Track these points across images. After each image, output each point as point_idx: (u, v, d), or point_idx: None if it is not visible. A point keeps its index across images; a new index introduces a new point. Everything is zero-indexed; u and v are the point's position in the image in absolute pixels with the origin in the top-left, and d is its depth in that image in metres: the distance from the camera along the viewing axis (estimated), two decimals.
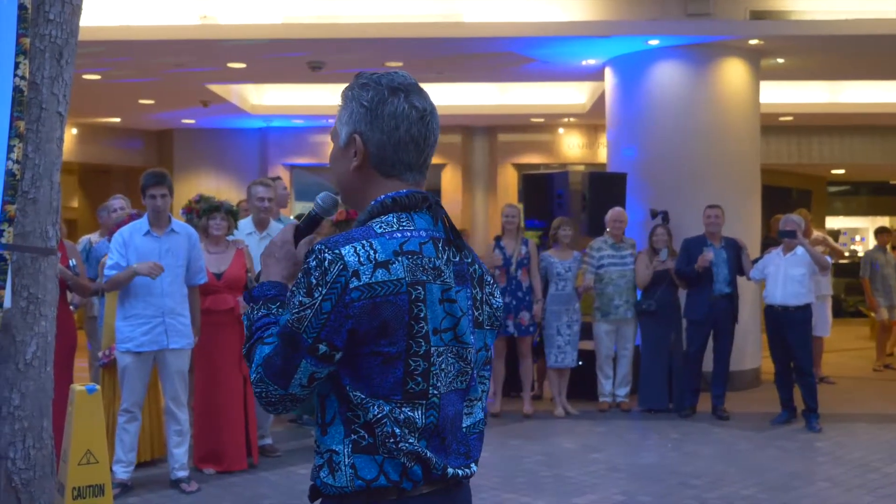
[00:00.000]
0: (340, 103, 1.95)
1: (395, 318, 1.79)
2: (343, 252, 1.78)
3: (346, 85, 1.97)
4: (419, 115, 1.90)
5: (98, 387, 4.64)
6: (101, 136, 15.75)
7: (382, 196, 1.89)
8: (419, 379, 1.83)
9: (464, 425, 1.94)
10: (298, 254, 1.98)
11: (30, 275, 4.07)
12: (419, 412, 1.83)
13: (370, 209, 1.88)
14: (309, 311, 1.77)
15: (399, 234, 1.84)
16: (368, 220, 1.87)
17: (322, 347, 1.77)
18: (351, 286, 1.76)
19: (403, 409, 1.82)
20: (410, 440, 1.82)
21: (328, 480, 1.84)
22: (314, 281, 1.77)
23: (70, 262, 5.87)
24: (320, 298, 1.76)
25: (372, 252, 1.79)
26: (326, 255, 1.78)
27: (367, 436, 1.81)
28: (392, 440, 1.80)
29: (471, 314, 1.92)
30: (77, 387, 4.54)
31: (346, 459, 1.81)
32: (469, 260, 1.95)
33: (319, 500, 1.89)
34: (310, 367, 1.79)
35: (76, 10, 4.19)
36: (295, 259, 1.97)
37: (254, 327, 1.88)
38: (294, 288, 1.81)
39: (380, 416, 1.80)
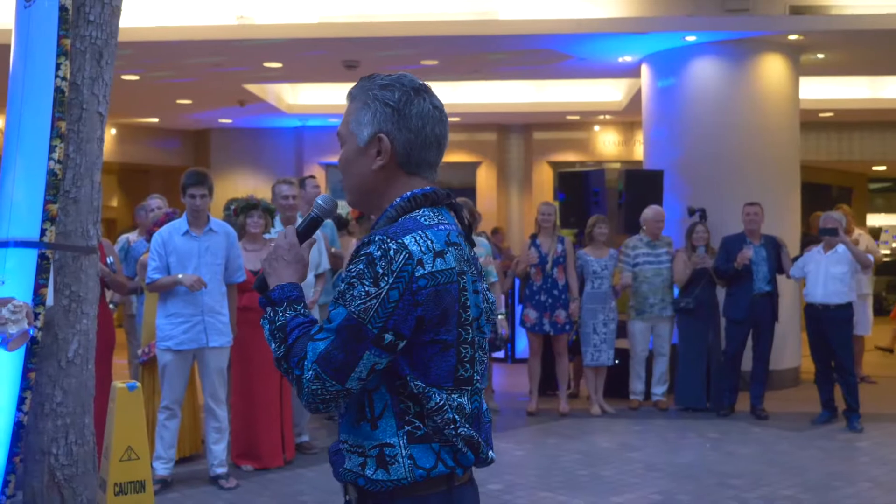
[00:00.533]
0: (353, 105, 1.97)
1: (451, 306, 1.84)
2: (406, 242, 1.80)
3: (355, 87, 1.99)
4: (439, 114, 1.96)
5: (139, 384, 4.70)
6: (140, 136, 15.93)
7: (410, 192, 1.93)
8: (468, 366, 1.90)
9: None
10: (304, 255, 1.99)
11: (71, 273, 4.13)
12: (466, 398, 1.90)
13: (401, 204, 1.92)
14: (375, 300, 1.77)
15: (443, 227, 1.89)
16: (401, 214, 1.91)
17: (388, 337, 1.78)
18: (417, 274, 1.79)
19: (453, 395, 1.87)
20: (466, 425, 1.88)
21: (378, 476, 1.84)
22: (380, 270, 1.78)
23: (108, 259, 5.94)
24: (387, 287, 1.77)
25: (429, 242, 1.83)
26: (391, 244, 1.80)
27: (421, 425, 1.84)
28: (452, 427, 1.85)
29: (482, 306, 2.00)
30: (118, 384, 4.60)
31: (403, 451, 1.83)
32: (474, 255, 2.03)
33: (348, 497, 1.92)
34: (373, 357, 1.79)
35: (116, 11, 4.24)
36: (303, 261, 1.99)
37: (288, 328, 1.87)
38: (353, 280, 1.80)
39: (441, 403, 1.84)
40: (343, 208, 7.39)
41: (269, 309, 1.91)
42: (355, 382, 1.80)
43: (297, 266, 1.96)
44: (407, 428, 1.83)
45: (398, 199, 1.92)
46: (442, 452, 1.85)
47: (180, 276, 5.63)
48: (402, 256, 1.79)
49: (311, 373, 1.79)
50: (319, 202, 2.05)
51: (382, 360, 1.80)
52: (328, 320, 1.82)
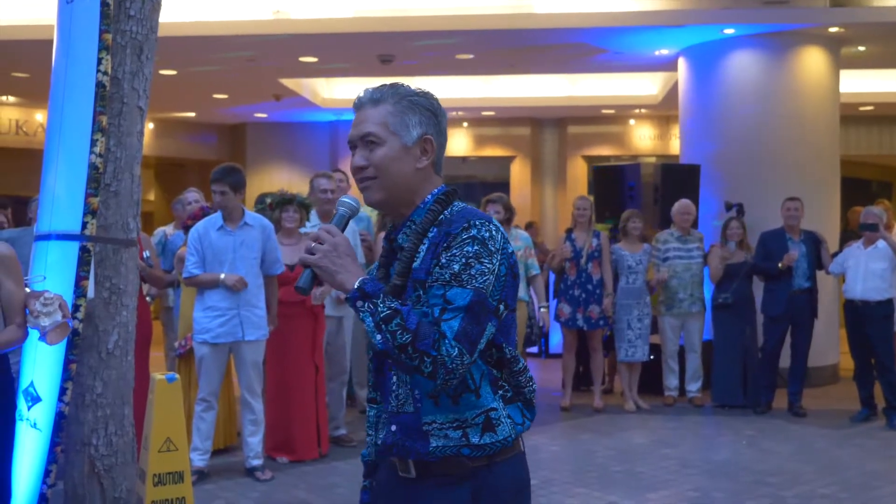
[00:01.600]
0: (384, 108, 2.08)
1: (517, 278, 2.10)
2: (496, 224, 2.04)
3: (382, 92, 2.10)
4: None
5: (177, 376, 4.74)
6: (177, 131, 16.06)
7: (440, 189, 2.12)
8: (515, 332, 2.14)
9: None
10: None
11: (112, 266, 4.17)
12: (521, 362, 2.12)
13: (441, 198, 2.09)
14: (492, 276, 1.97)
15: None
16: (444, 207, 2.08)
17: (501, 307, 2.01)
18: (509, 251, 2.04)
19: (520, 357, 2.11)
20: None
21: (486, 440, 2.02)
22: (492, 249, 1.99)
23: (144, 253, 6.00)
24: (497, 263, 1.99)
25: (497, 225, 2.05)
26: (490, 226, 2.01)
27: (508, 388, 2.06)
28: (530, 385, 2.10)
29: None
30: (157, 376, 4.64)
31: (503, 412, 2.04)
32: None
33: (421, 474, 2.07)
34: (491, 328, 1.99)
35: (156, 6, 4.28)
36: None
37: (404, 315, 1.90)
38: (470, 260, 1.95)
39: (524, 364, 2.09)
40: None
41: (365, 303, 1.94)
42: (477, 353, 1.96)
43: (356, 262, 2.04)
44: (500, 392, 2.05)
45: (432, 195, 2.10)
46: (524, 410, 2.09)
47: (222, 275, 5.68)
48: (500, 236, 2.01)
49: (455, 350, 1.91)
50: (348, 201, 2.12)
51: (493, 329, 2.00)
52: (446, 301, 1.93)
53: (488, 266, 1.96)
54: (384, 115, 2.08)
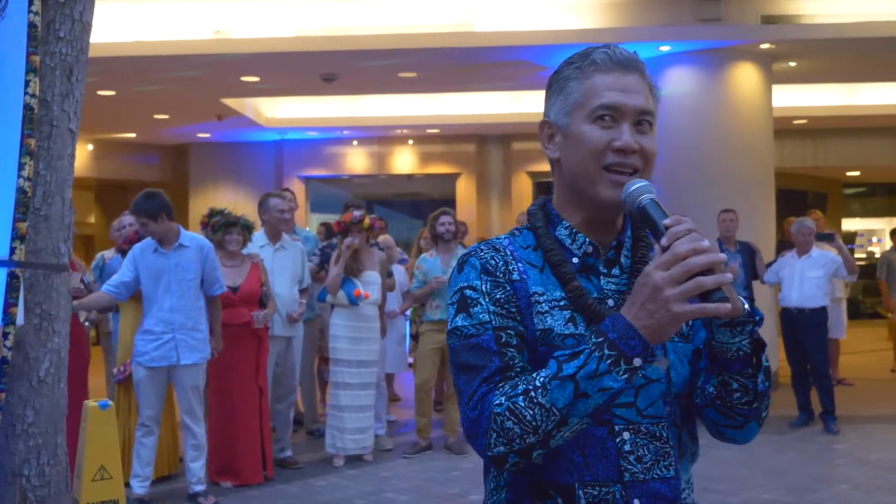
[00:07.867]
0: (651, 90, 1.64)
1: None
2: None
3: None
4: None
5: (111, 402, 4.66)
6: (117, 152, 15.84)
7: None
8: None
9: None
10: None
11: (42, 291, 4.10)
12: None
13: None
14: None
15: None
16: None
17: None
18: None
19: None
20: None
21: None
22: None
23: (85, 278, 5.92)
24: None
25: None
26: None
27: None
28: None
29: None
30: (90, 403, 4.56)
31: None
32: None
33: None
34: None
35: (86, 27, 4.22)
36: None
37: None
38: None
39: None
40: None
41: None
42: None
43: None
44: None
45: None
46: None
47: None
48: None
49: None
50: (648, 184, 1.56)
51: None
52: None
53: None
54: (649, 94, 1.56)
